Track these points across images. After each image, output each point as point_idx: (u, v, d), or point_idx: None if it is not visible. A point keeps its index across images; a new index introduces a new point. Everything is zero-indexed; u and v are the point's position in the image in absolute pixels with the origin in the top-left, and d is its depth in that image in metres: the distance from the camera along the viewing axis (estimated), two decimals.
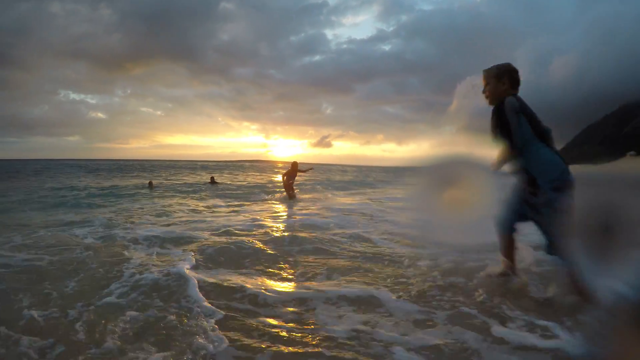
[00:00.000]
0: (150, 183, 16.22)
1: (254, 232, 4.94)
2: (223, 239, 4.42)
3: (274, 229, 5.29)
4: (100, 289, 2.60)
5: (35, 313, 2.19)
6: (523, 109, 2.24)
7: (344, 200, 10.66)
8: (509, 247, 2.53)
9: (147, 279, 2.79)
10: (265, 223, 5.78)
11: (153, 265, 3.24)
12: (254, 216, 6.87)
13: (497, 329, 1.92)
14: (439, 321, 2.04)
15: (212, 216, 7.23)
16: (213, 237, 4.59)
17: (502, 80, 2.34)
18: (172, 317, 2.15)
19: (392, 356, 1.71)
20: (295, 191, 10.56)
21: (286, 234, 4.79)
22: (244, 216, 6.93)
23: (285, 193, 10.55)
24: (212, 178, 18.86)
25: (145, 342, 1.87)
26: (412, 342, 1.84)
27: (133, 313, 2.20)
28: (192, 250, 3.81)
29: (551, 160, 2.21)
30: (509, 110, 2.19)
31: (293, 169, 10.20)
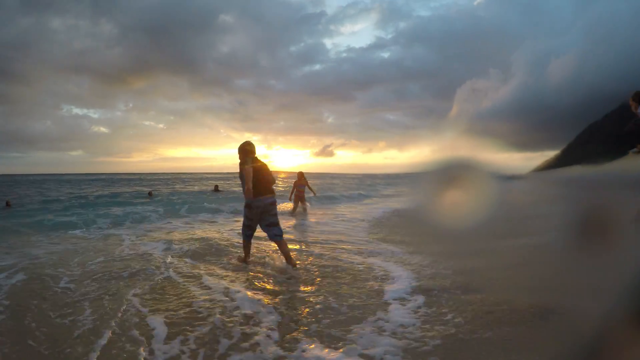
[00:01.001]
0: (149, 193, 17.43)
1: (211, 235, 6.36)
2: (192, 236, 6.28)
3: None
4: (99, 254, 4.97)
5: (68, 271, 4.12)
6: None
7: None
8: (247, 245, 4.37)
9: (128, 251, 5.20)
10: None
11: (135, 245, 5.63)
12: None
13: (208, 280, 3.67)
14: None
15: (189, 221, 8.82)
16: (184, 235, 6.40)
17: (240, 156, 4.09)
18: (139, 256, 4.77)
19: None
20: (306, 204, 10.16)
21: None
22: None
23: (291, 206, 10.07)
24: (216, 186, 19.88)
25: (125, 263, 4.38)
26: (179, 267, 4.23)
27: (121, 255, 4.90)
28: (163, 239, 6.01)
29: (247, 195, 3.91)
30: (241, 172, 3.96)
31: (300, 179, 9.85)
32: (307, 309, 2.82)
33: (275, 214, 4.08)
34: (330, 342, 2.28)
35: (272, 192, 4.08)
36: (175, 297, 3.15)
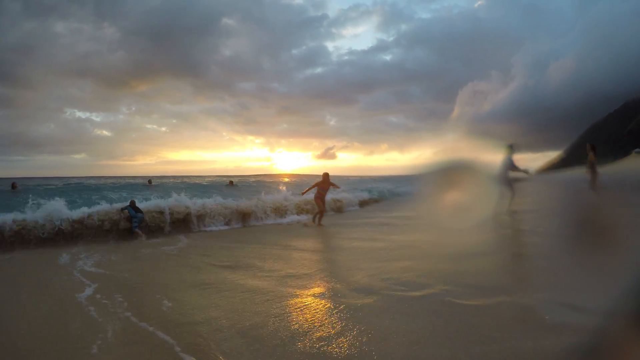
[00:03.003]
0: (149, 181, 18.25)
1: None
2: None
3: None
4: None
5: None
6: (132, 205, 7.58)
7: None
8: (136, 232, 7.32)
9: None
10: None
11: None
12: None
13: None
14: None
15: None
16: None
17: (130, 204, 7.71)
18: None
19: None
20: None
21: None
22: None
23: (316, 218, 8.83)
24: (231, 181, 20.51)
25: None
26: None
27: None
28: None
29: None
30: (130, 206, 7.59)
31: (324, 181, 8.88)
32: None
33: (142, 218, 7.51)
34: None
35: (142, 211, 7.54)
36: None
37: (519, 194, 8.61)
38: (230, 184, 19.80)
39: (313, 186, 8.98)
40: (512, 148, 8.27)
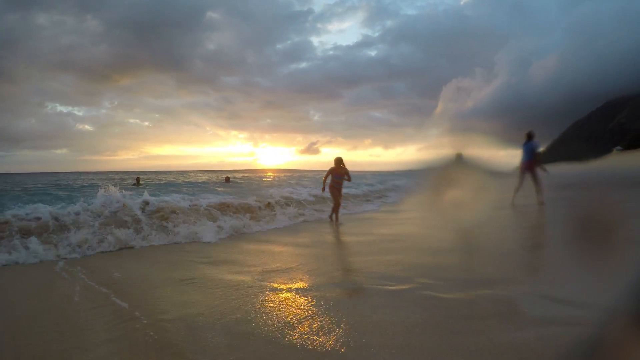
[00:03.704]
0: (137, 179, 17.80)
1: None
2: None
3: None
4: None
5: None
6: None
7: None
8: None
9: None
10: None
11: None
12: None
13: None
14: None
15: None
16: None
17: None
18: None
19: None
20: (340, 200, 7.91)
21: None
22: None
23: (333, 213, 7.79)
24: (227, 177, 20.00)
25: None
26: None
27: None
28: None
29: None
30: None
31: (337, 167, 7.49)
32: None
33: None
34: None
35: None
36: None
37: (523, 187, 8.68)
38: (226, 180, 19.40)
39: (327, 175, 7.52)
40: (531, 136, 8.52)
